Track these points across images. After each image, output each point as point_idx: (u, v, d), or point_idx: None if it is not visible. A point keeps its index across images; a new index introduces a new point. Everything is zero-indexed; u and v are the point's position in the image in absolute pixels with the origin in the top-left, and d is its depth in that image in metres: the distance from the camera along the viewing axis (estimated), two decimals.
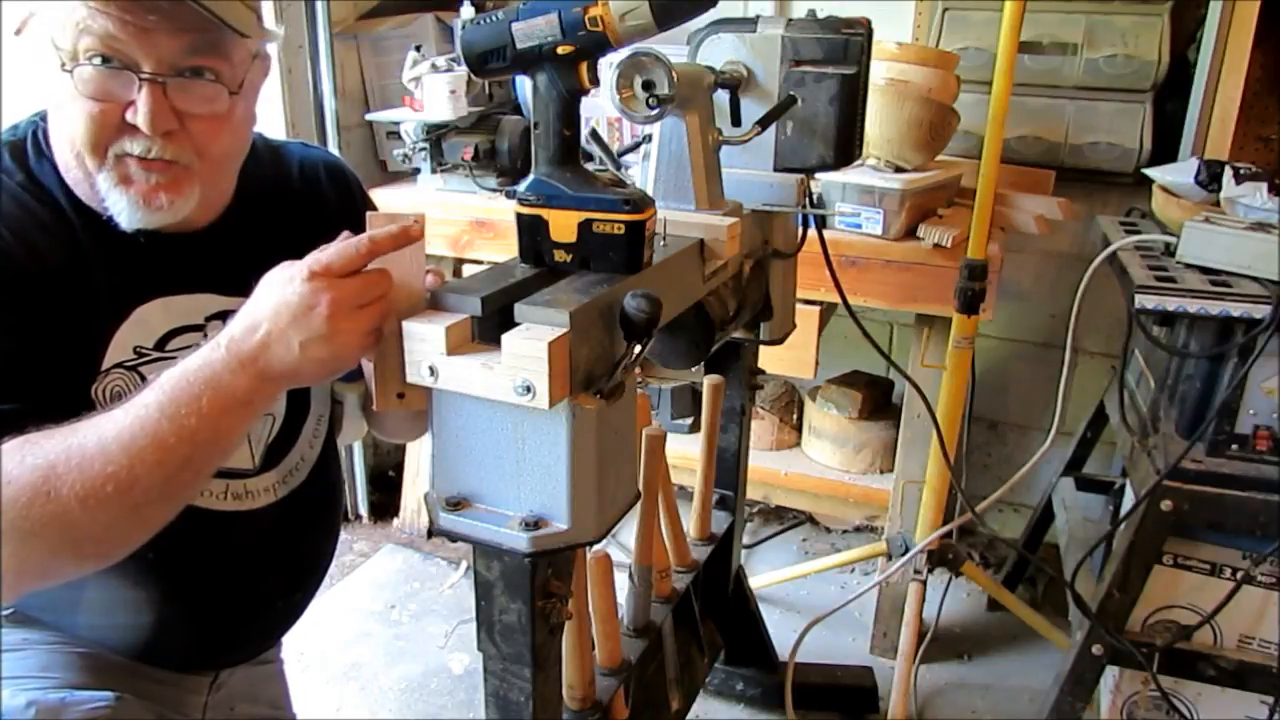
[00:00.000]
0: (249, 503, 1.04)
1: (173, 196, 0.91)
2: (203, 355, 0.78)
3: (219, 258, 0.99)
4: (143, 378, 0.93)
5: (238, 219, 1.02)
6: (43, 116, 0.94)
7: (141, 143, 0.88)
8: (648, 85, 1.02)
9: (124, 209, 0.90)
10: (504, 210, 1.99)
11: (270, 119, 2.04)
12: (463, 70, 2.02)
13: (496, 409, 0.81)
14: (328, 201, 1.13)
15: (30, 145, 0.94)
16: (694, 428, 2.30)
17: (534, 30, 0.82)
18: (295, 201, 1.10)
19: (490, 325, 0.79)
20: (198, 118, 0.90)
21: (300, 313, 0.75)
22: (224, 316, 0.91)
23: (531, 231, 0.88)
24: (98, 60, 0.85)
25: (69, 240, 0.91)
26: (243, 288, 0.82)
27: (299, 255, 0.80)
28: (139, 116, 0.86)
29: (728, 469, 1.66)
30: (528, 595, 0.88)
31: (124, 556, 0.81)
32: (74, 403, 0.83)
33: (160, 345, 0.96)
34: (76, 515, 0.74)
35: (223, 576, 1.06)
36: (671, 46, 1.01)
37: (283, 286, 0.76)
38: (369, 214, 0.82)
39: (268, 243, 0.94)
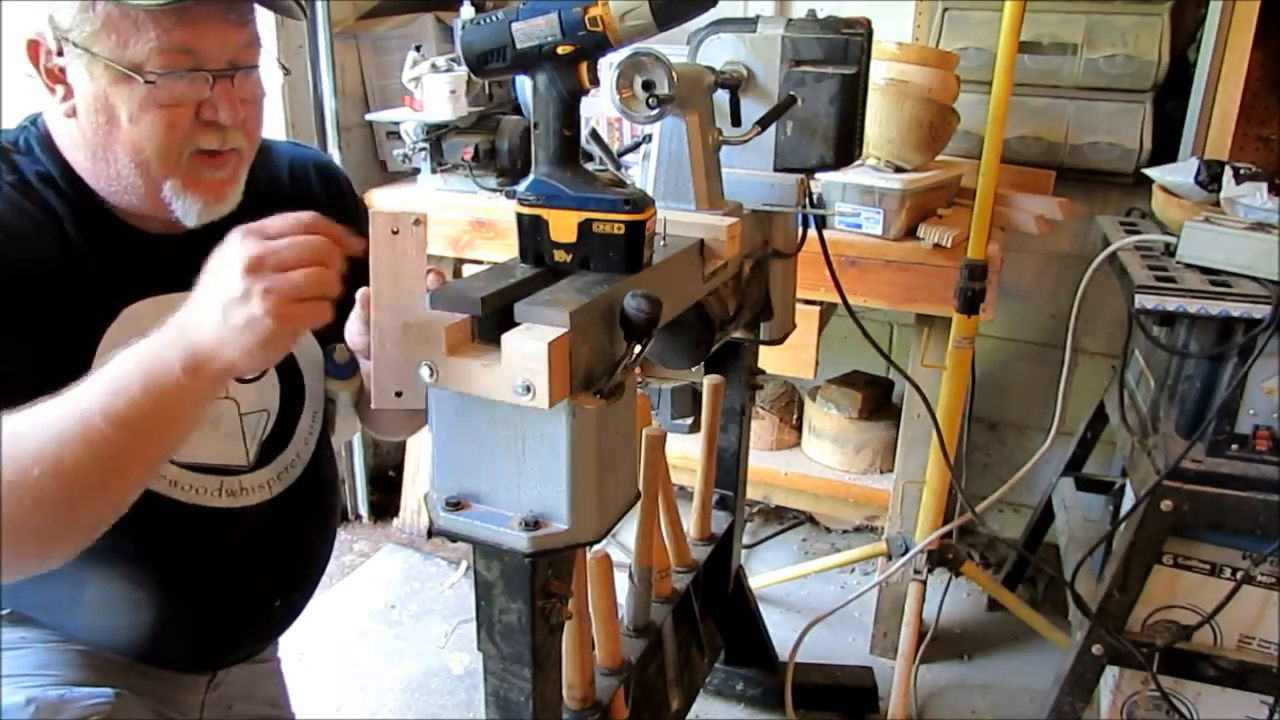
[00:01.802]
0: (243, 499, 1.04)
1: (234, 186, 0.95)
2: (152, 334, 0.76)
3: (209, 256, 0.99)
4: None
5: (229, 218, 1.01)
6: (34, 120, 0.95)
7: (216, 137, 0.91)
8: (648, 85, 1.02)
9: (195, 208, 0.93)
10: (504, 210, 1.98)
11: (270, 119, 2.04)
12: (463, 70, 2.02)
13: (496, 409, 0.81)
14: (318, 201, 1.12)
15: (21, 148, 0.94)
16: (694, 428, 2.30)
17: (534, 30, 0.82)
18: (285, 200, 1.08)
19: (490, 325, 0.79)
20: (249, 103, 0.94)
21: (236, 302, 0.72)
22: None
23: (531, 231, 0.88)
24: (181, 69, 0.87)
25: (60, 241, 0.91)
26: None
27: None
28: (221, 113, 0.90)
29: (728, 469, 1.66)
30: (528, 595, 0.88)
31: (69, 557, 0.79)
32: None
33: None
34: (9, 507, 0.71)
35: (218, 574, 1.05)
36: (671, 46, 1.01)
37: (222, 274, 0.74)
38: (372, 213, 0.80)
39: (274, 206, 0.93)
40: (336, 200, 1.15)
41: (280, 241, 0.74)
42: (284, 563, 1.13)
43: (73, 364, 0.88)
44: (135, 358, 0.75)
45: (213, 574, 1.05)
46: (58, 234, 0.91)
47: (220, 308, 0.73)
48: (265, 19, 0.96)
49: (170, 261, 0.94)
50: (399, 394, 0.82)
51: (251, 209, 1.02)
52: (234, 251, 0.73)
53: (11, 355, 0.84)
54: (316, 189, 1.15)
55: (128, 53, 0.85)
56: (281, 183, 1.11)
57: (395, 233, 0.77)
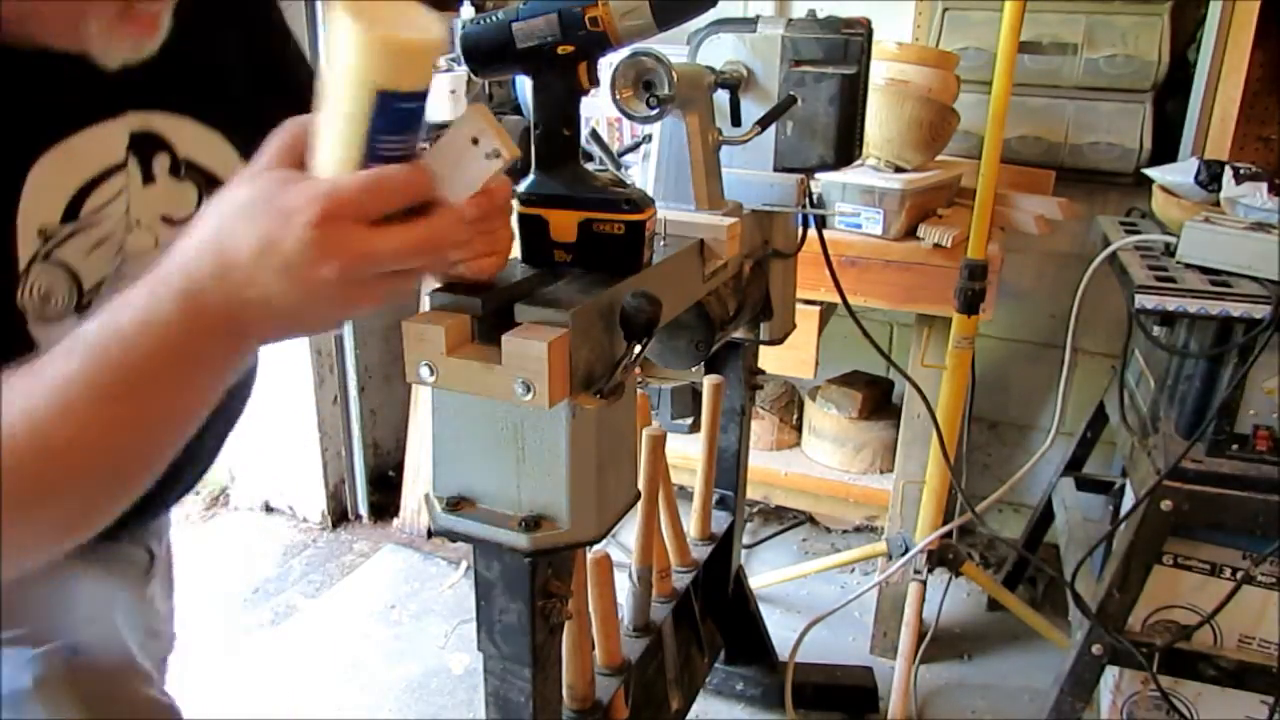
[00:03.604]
0: None
1: (165, 18, 0.70)
2: (142, 306, 0.54)
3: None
4: (69, 270, 0.71)
5: None
6: None
7: None
8: (648, 85, 1.02)
9: (122, 48, 0.67)
10: None
11: None
12: (463, 70, 2.02)
13: (496, 409, 0.81)
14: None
15: None
16: (694, 428, 2.30)
17: (534, 30, 0.82)
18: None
19: (490, 325, 0.79)
20: None
21: (298, 271, 0.52)
22: (150, 142, 0.74)
23: (532, 231, 0.88)
24: None
25: None
26: (168, 92, 0.67)
27: (232, 25, 0.64)
28: None
29: (728, 469, 1.66)
30: (528, 595, 0.88)
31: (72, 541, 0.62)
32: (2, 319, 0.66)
33: (71, 213, 0.70)
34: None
35: None
36: (671, 46, 1.01)
37: (274, 221, 0.52)
38: (470, 106, 0.59)
39: (188, 17, 0.72)
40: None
41: (388, 246, 0.54)
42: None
43: None
44: (134, 313, 0.54)
45: None
46: None
47: (293, 311, 0.55)
48: None
49: (75, 86, 0.70)
50: None
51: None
52: (319, 248, 0.52)
53: None
54: None
55: None
56: None
57: (475, 141, 0.59)
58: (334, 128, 0.54)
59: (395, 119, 0.53)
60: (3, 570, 0.56)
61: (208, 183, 0.82)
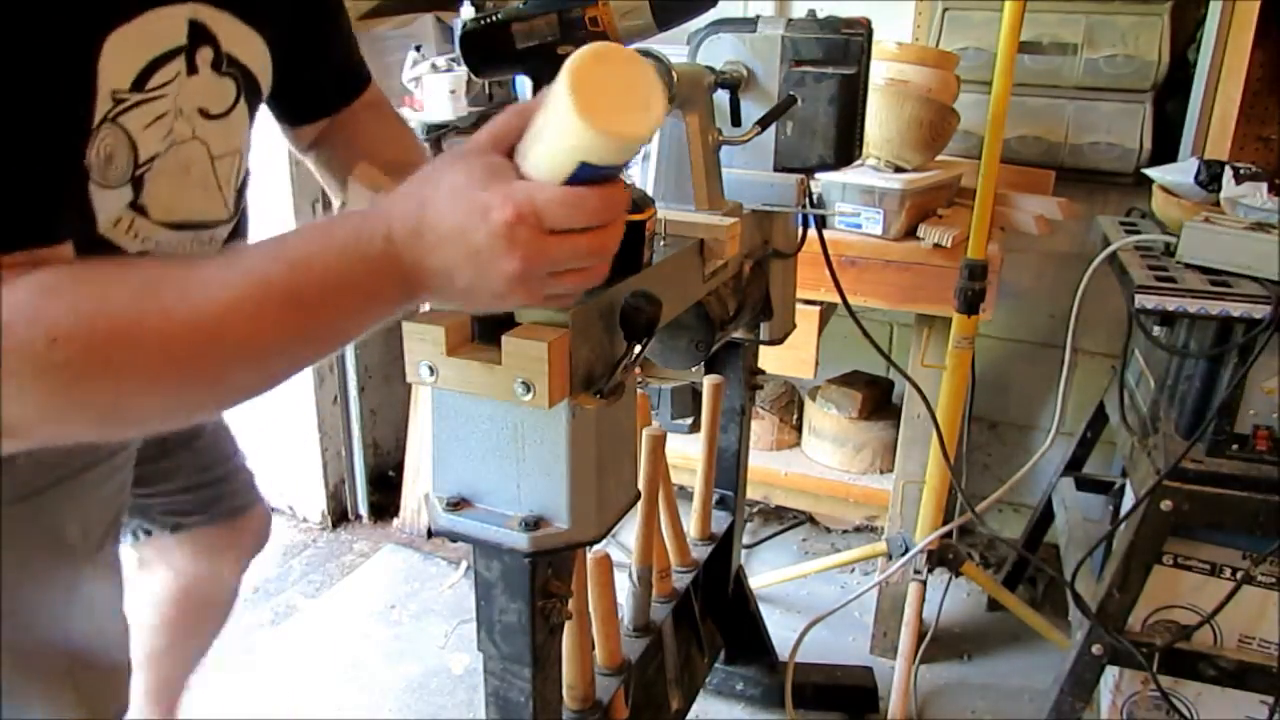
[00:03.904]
0: (211, 250, 0.92)
1: None
2: (349, 237, 0.61)
3: None
4: (129, 138, 0.75)
5: None
6: None
7: None
8: None
9: None
10: None
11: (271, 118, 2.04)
12: (463, 70, 2.02)
13: (496, 409, 0.81)
14: None
15: None
16: (694, 428, 2.30)
17: (534, 30, 0.82)
18: None
19: (490, 325, 0.79)
20: None
21: (483, 259, 0.60)
22: (198, 33, 0.78)
23: None
24: None
25: None
26: None
27: None
28: None
29: (728, 469, 1.66)
30: (528, 595, 0.88)
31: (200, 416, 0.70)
32: (69, 176, 0.71)
33: (139, 84, 0.75)
34: (138, 398, 0.60)
35: None
36: (671, 46, 1.01)
37: (473, 212, 0.59)
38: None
39: None
40: None
41: (566, 248, 0.60)
42: None
43: (70, 112, 0.71)
44: (339, 240, 0.61)
45: None
46: None
47: (469, 287, 0.62)
48: None
49: None
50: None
51: None
52: (507, 242, 0.59)
53: (7, 83, 0.63)
54: None
55: None
56: None
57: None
58: (545, 146, 0.59)
59: (595, 177, 0.59)
60: (140, 423, 0.64)
61: (245, 79, 0.86)
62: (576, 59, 0.54)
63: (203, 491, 1.23)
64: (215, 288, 0.59)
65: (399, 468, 2.50)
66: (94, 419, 0.61)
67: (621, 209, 0.63)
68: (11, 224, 0.61)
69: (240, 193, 0.94)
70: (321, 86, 1.01)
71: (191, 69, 0.79)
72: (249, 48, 0.85)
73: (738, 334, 1.43)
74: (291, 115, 1.02)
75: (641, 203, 0.86)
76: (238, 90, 0.86)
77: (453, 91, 2.01)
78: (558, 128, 0.56)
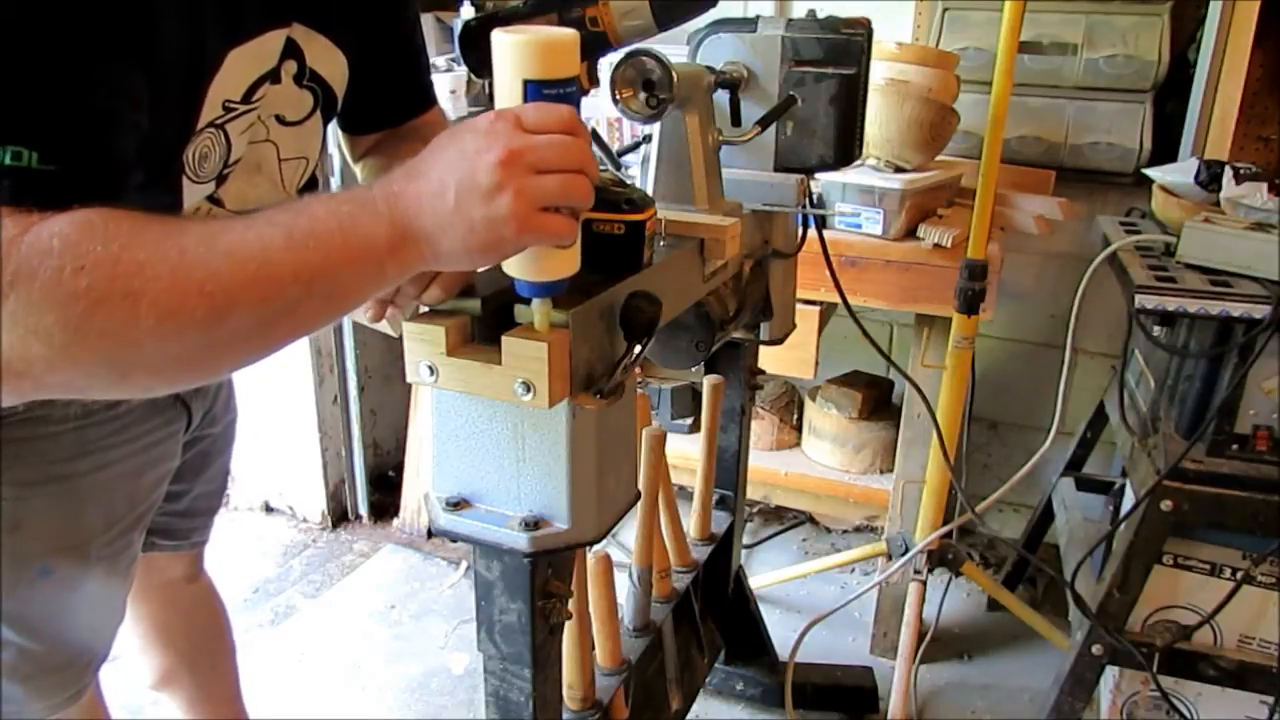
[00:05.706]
0: None
1: None
2: (354, 190, 0.68)
3: None
4: (227, 137, 0.83)
5: None
6: None
7: None
8: (648, 85, 1.02)
9: None
10: None
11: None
12: (463, 70, 2.02)
13: (496, 409, 0.81)
14: None
15: None
16: (694, 428, 2.30)
17: None
18: None
19: (490, 325, 0.79)
20: None
21: (480, 196, 0.64)
22: (295, 50, 0.87)
23: None
24: None
25: None
26: (310, 7, 0.81)
27: None
28: None
29: (728, 469, 1.66)
30: (528, 595, 0.88)
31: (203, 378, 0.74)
32: (166, 169, 0.77)
33: (248, 96, 0.83)
34: (146, 334, 0.60)
35: None
36: (671, 46, 1.01)
37: (467, 158, 0.65)
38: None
39: None
40: None
41: (541, 138, 0.65)
42: None
43: (179, 124, 0.78)
44: (337, 209, 0.65)
45: None
46: None
47: (456, 194, 0.65)
48: None
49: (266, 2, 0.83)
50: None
51: None
52: (488, 137, 0.65)
53: (121, 91, 0.69)
54: None
55: None
56: None
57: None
58: (498, 84, 0.69)
59: (546, 99, 0.68)
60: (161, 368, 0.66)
61: (324, 93, 0.94)
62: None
63: (194, 519, 1.27)
64: (228, 232, 0.64)
65: (399, 468, 2.50)
66: (104, 358, 0.62)
67: (579, 127, 0.68)
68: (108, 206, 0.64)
69: (302, 193, 1.00)
70: (383, 101, 1.05)
71: (275, 79, 0.86)
72: (332, 65, 0.92)
73: (738, 334, 1.43)
74: (350, 123, 1.07)
75: (641, 203, 0.86)
76: (315, 102, 0.93)
77: (453, 91, 2.01)
78: (498, 63, 0.68)
